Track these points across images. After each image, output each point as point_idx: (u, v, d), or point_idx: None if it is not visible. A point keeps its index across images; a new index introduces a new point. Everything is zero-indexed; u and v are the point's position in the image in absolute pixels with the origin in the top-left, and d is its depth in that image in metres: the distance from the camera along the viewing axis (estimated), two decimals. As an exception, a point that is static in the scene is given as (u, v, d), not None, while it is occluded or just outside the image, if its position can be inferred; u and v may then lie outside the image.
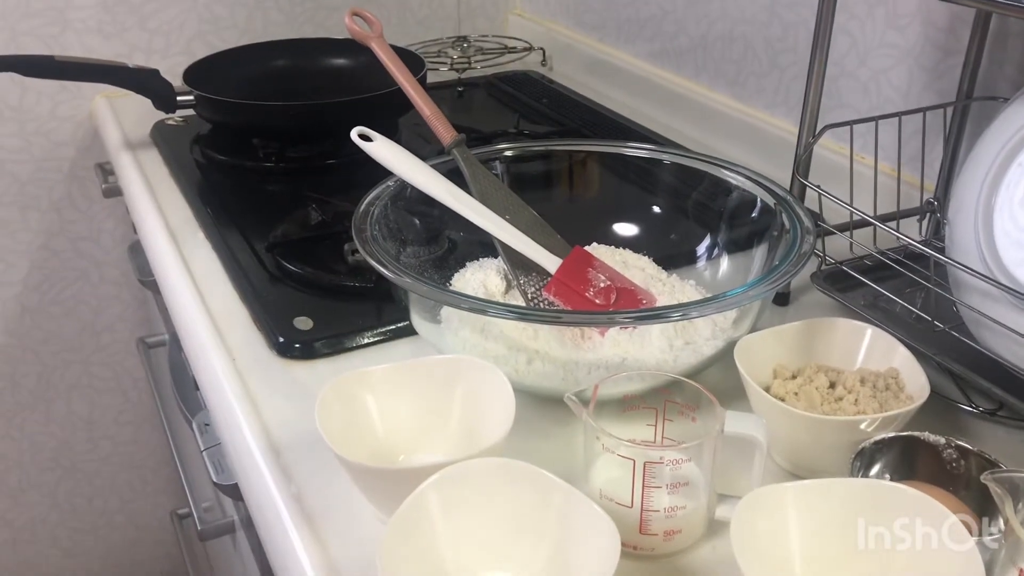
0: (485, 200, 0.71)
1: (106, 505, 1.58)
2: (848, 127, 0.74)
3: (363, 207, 0.68)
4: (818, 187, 0.71)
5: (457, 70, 1.29)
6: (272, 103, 1.02)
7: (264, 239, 0.83)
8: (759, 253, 0.70)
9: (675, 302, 0.70)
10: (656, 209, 0.78)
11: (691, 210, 0.77)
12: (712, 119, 1.10)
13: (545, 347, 0.63)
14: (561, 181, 0.80)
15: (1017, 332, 0.58)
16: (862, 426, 0.53)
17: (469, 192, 0.71)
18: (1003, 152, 0.61)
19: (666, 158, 0.77)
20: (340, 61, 1.15)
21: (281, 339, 0.70)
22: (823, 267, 0.74)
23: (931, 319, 0.63)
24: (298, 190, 0.94)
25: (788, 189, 0.72)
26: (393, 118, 1.06)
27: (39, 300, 1.38)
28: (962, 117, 0.77)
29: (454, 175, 0.73)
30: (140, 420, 1.54)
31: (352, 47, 1.12)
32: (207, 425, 0.80)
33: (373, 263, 0.61)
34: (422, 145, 1.00)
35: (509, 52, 1.37)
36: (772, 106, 1.03)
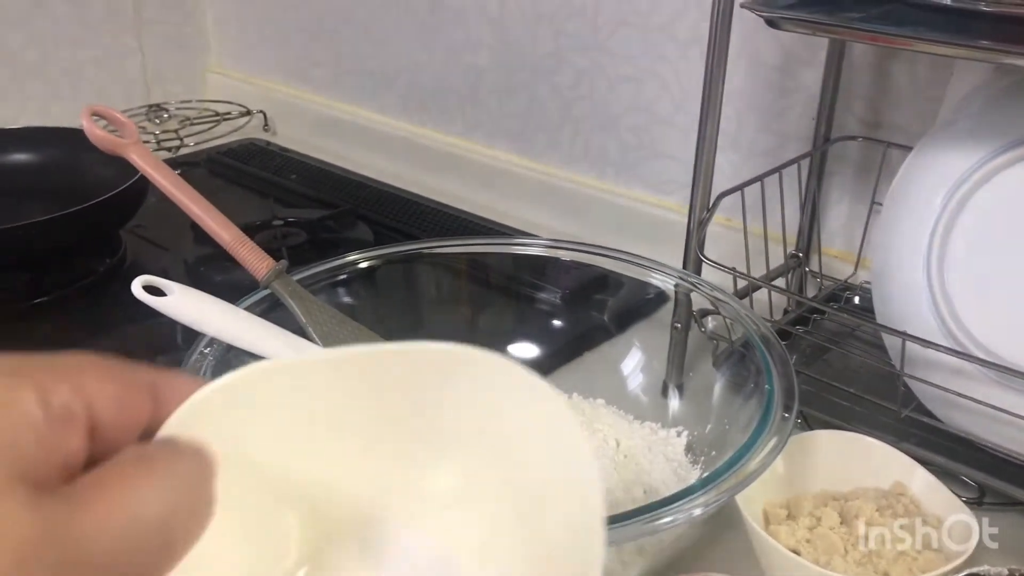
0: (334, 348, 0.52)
1: None
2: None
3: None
4: (733, 267, 0.60)
5: (168, 149, 1.05)
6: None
7: None
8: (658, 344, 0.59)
9: (592, 430, 0.56)
10: (541, 309, 0.64)
11: (576, 309, 0.63)
12: (498, 179, 0.97)
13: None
14: (406, 303, 0.62)
15: (1003, 410, 0.51)
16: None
17: (310, 339, 0.52)
18: (947, 211, 0.53)
19: (534, 251, 0.62)
20: (20, 157, 0.84)
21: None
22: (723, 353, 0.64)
23: (898, 406, 0.55)
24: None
25: (682, 267, 0.61)
26: (112, 229, 0.79)
27: None
28: (821, 161, 0.71)
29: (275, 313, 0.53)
30: None
31: (38, 136, 0.86)
32: None
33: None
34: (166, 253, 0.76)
35: (225, 120, 1.14)
36: (568, 162, 0.92)
